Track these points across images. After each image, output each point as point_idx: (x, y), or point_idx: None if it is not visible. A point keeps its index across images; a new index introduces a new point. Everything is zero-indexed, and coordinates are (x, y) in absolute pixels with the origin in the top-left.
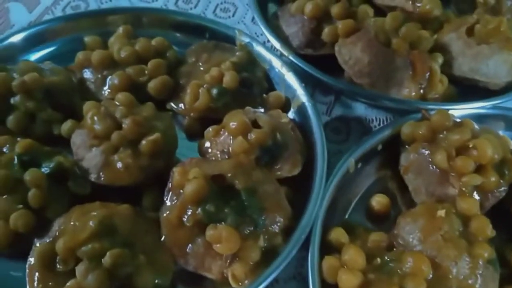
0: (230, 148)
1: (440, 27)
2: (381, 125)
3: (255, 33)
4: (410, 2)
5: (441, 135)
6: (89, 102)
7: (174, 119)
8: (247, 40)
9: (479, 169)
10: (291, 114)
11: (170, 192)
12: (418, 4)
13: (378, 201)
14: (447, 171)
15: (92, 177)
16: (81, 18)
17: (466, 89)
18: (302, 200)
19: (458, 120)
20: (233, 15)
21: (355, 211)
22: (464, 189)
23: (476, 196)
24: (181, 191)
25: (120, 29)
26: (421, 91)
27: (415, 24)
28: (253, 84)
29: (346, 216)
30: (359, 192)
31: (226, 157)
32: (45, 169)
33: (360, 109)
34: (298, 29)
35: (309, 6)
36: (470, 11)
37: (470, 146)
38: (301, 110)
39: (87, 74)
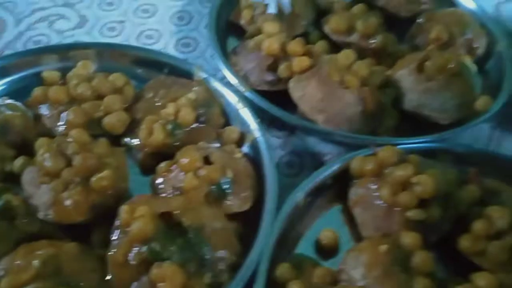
0: (180, 184)
1: (393, 63)
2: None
3: (215, 68)
4: (365, 39)
5: (387, 171)
6: (41, 139)
7: (129, 154)
8: (204, 75)
9: (423, 203)
10: (245, 149)
11: (118, 230)
12: (372, 41)
13: (326, 235)
14: (392, 205)
15: (41, 214)
16: (41, 53)
17: (417, 123)
18: (252, 236)
19: (404, 155)
20: (194, 50)
21: (305, 246)
22: (408, 224)
23: (419, 230)
24: (129, 229)
25: (79, 64)
26: (372, 126)
27: (367, 61)
28: (208, 119)
29: (296, 251)
30: (309, 226)
31: (178, 193)
32: None
33: (314, 143)
34: (256, 65)
35: (266, 43)
36: (423, 47)
37: (414, 181)
38: (255, 145)
39: (44, 109)
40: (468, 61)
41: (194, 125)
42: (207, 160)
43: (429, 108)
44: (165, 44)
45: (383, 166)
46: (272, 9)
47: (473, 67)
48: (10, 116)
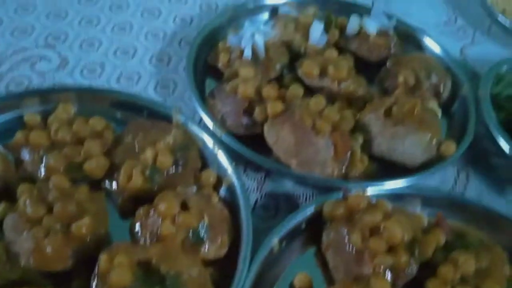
0: (158, 230)
1: (364, 106)
2: (307, 201)
3: (193, 110)
4: (336, 83)
5: (357, 216)
6: (22, 185)
7: (109, 197)
8: (183, 119)
9: (392, 249)
10: (222, 192)
11: (96, 278)
12: (343, 85)
13: (300, 279)
14: (362, 251)
15: (22, 261)
16: (22, 96)
17: (386, 165)
18: (228, 281)
19: (374, 200)
20: (173, 92)
21: None
22: (377, 268)
23: (388, 275)
24: (107, 278)
25: (60, 107)
26: (343, 169)
27: (338, 105)
28: (186, 163)
29: None
30: (284, 270)
31: (155, 239)
32: None
33: (288, 185)
34: (232, 108)
35: (242, 87)
36: (392, 90)
37: (382, 227)
38: (231, 189)
39: (25, 154)
40: (434, 104)
41: (172, 169)
42: (184, 206)
43: (397, 152)
44: (145, 85)
45: (353, 212)
46: (247, 53)
47: (439, 111)
48: None
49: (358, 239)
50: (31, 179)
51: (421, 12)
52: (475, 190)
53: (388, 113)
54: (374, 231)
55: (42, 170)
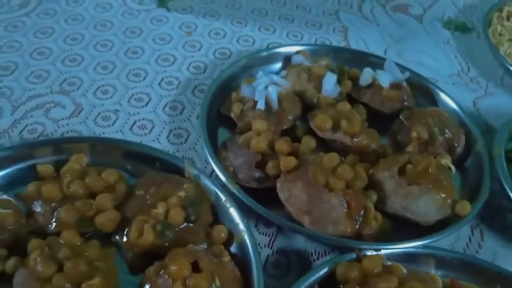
0: None
1: (377, 159)
2: (320, 258)
3: (205, 160)
4: (349, 136)
5: (371, 280)
6: (33, 241)
7: (119, 251)
8: (195, 172)
9: None
10: (233, 248)
11: None
12: (356, 139)
13: None
14: None
15: None
16: (35, 146)
17: (400, 223)
18: None
19: (388, 263)
20: (185, 141)
21: None
22: None
23: None
24: None
25: (73, 158)
26: (357, 227)
27: (353, 161)
28: (198, 218)
29: None
30: None
31: None
32: None
33: (300, 242)
34: (244, 161)
35: (255, 141)
36: (405, 144)
37: None
38: (242, 245)
39: (37, 206)
40: (448, 160)
41: (183, 225)
42: (195, 266)
43: (411, 211)
44: (158, 134)
45: (367, 275)
46: (261, 105)
47: (453, 168)
48: (4, 215)
49: None
50: (41, 231)
51: (434, 62)
52: (490, 248)
53: (402, 171)
54: None
55: (53, 223)
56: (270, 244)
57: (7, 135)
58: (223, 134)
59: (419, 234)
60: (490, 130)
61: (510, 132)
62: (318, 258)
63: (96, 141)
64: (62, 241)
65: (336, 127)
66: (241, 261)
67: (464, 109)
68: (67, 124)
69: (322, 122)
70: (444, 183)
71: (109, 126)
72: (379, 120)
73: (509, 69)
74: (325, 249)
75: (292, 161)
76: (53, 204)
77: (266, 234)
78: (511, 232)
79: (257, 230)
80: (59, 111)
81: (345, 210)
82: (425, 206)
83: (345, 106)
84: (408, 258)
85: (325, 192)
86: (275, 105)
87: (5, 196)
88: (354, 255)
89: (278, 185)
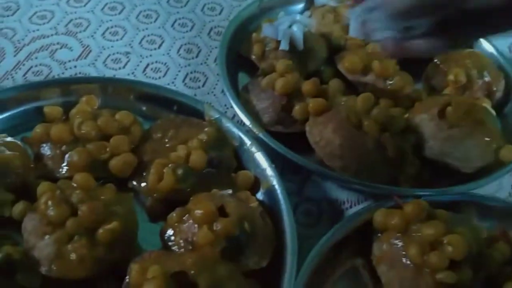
0: (194, 237)
1: (411, 104)
2: (352, 207)
3: (225, 105)
4: (381, 79)
5: (414, 227)
6: (43, 184)
7: (136, 198)
8: (216, 115)
9: (453, 264)
10: (259, 195)
11: None
12: (389, 82)
13: None
14: (421, 266)
15: (43, 269)
16: (42, 86)
17: (437, 170)
18: None
19: (432, 210)
20: (203, 85)
21: None
22: (437, 286)
23: None
24: None
25: (83, 100)
26: (393, 173)
27: (386, 105)
28: (221, 163)
29: None
30: (330, 285)
31: (190, 247)
32: None
33: (331, 189)
34: (269, 105)
35: (279, 82)
36: (440, 88)
37: (445, 241)
38: (270, 192)
39: (45, 149)
40: (488, 105)
41: (205, 170)
42: (222, 211)
43: (451, 156)
44: (173, 78)
45: (410, 222)
46: (285, 45)
47: (493, 112)
48: (10, 157)
49: (417, 254)
50: (51, 176)
51: None
52: None
53: (441, 114)
54: (435, 245)
55: (64, 167)
56: (299, 193)
57: (10, 76)
58: (242, 78)
59: (458, 181)
60: None
61: None
62: (350, 207)
63: (108, 82)
64: (74, 185)
65: (367, 69)
66: (269, 209)
67: (503, 54)
68: (75, 66)
69: (352, 63)
70: (489, 126)
71: (120, 68)
72: (409, 65)
73: None
74: (358, 197)
75: (322, 103)
76: (63, 147)
77: (293, 182)
78: None
79: (284, 178)
80: (65, 53)
81: (381, 154)
82: (467, 150)
83: (376, 47)
84: (448, 206)
85: (359, 135)
86: (300, 45)
87: (10, 138)
88: (390, 203)
89: (307, 128)
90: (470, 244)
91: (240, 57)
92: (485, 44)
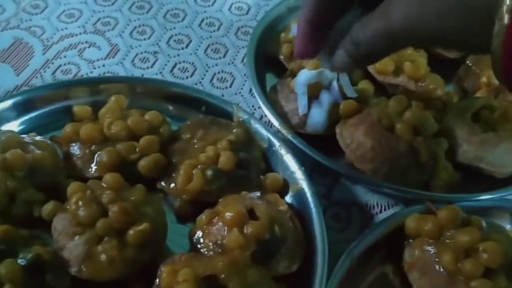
0: (223, 240)
1: (443, 107)
2: (382, 211)
3: (252, 106)
4: (413, 81)
5: (448, 233)
6: (74, 184)
7: (165, 199)
8: (245, 116)
9: (487, 272)
10: (288, 198)
11: None
12: (421, 84)
13: None
14: (455, 273)
15: (73, 270)
16: (71, 85)
17: (470, 175)
18: None
19: (466, 216)
20: (230, 86)
21: None
22: None
23: None
24: None
25: (112, 100)
26: (425, 178)
27: (419, 107)
28: (250, 165)
29: None
30: None
31: (219, 250)
32: (21, 261)
33: (361, 193)
34: (298, 106)
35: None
36: (473, 91)
37: (480, 249)
38: (300, 195)
39: (74, 149)
40: None
41: (235, 171)
42: (251, 213)
43: (485, 161)
44: (201, 77)
45: (444, 228)
46: None
47: None
48: (40, 156)
49: (451, 261)
50: (80, 176)
51: None
52: None
53: (475, 117)
54: (469, 252)
55: (93, 167)
56: (328, 196)
57: (39, 75)
58: (270, 79)
59: (492, 187)
60: None
61: None
62: (381, 212)
63: (136, 81)
64: (104, 185)
65: (397, 70)
66: (299, 212)
67: None
68: (103, 65)
69: (383, 64)
70: None
71: (148, 68)
72: (441, 67)
73: None
74: (389, 201)
75: (353, 105)
76: (92, 147)
77: (322, 185)
78: None
79: (313, 180)
80: (93, 52)
81: (414, 158)
82: (502, 155)
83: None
84: (480, 212)
85: (391, 138)
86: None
87: (39, 137)
88: (421, 208)
89: (337, 130)
90: (505, 252)
91: (268, 57)
92: None
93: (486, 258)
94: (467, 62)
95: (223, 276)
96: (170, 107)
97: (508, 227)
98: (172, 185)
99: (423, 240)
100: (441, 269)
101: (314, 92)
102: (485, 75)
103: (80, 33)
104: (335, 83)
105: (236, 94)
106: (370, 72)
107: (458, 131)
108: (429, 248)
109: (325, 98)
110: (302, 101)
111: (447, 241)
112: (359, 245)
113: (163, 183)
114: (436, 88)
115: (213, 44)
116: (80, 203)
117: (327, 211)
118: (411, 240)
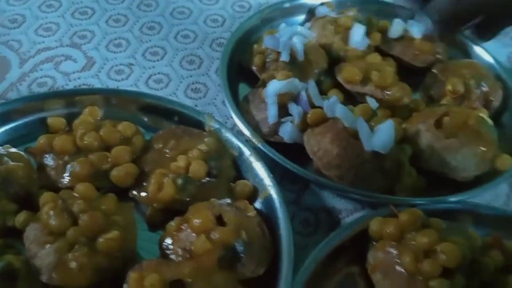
0: (192, 246)
1: (409, 114)
2: (349, 216)
3: (225, 116)
4: (380, 89)
5: (409, 235)
6: (46, 194)
7: (137, 207)
8: (216, 125)
9: (446, 272)
10: (257, 205)
11: None
12: (388, 92)
13: None
14: (415, 274)
15: (44, 278)
16: (46, 98)
17: (434, 179)
18: None
19: (426, 219)
20: (204, 96)
21: None
22: None
23: None
24: None
25: (86, 111)
26: (389, 183)
27: (384, 115)
28: (220, 173)
29: None
30: None
31: (188, 255)
32: None
33: (329, 198)
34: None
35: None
36: (439, 98)
37: (438, 249)
38: (268, 201)
39: (48, 160)
40: (485, 115)
41: (205, 179)
42: (219, 220)
43: (448, 166)
44: (175, 89)
45: (405, 230)
46: (285, 57)
47: (490, 122)
48: (14, 168)
49: (411, 262)
50: (54, 186)
51: None
52: None
53: (438, 124)
54: (429, 253)
55: (66, 178)
56: (297, 202)
57: (15, 88)
58: (243, 89)
59: (455, 191)
60: None
61: None
62: (348, 216)
63: (111, 93)
64: (76, 195)
65: (365, 79)
66: (267, 218)
67: (500, 63)
68: (79, 78)
69: (351, 74)
70: (486, 136)
71: (123, 80)
72: (408, 75)
73: None
74: (355, 206)
75: (320, 113)
76: (66, 158)
77: (292, 191)
78: None
79: (282, 187)
80: (70, 65)
81: (378, 164)
82: (464, 159)
83: (376, 57)
84: (444, 214)
85: (357, 145)
86: (300, 56)
87: (14, 149)
88: (385, 212)
89: (305, 138)
90: (463, 252)
91: (241, 68)
92: (482, 54)
93: (444, 258)
94: (433, 70)
95: (189, 281)
96: (144, 118)
97: (470, 228)
98: (144, 193)
99: (386, 243)
100: (402, 270)
101: (283, 101)
102: (450, 83)
103: (57, 47)
104: (303, 93)
105: (209, 104)
106: (339, 82)
107: (422, 137)
108: (391, 250)
109: (294, 108)
110: (272, 111)
111: (408, 243)
112: (324, 247)
113: (134, 192)
114: (402, 96)
115: (188, 55)
116: (52, 212)
117: (297, 217)
118: (374, 243)
